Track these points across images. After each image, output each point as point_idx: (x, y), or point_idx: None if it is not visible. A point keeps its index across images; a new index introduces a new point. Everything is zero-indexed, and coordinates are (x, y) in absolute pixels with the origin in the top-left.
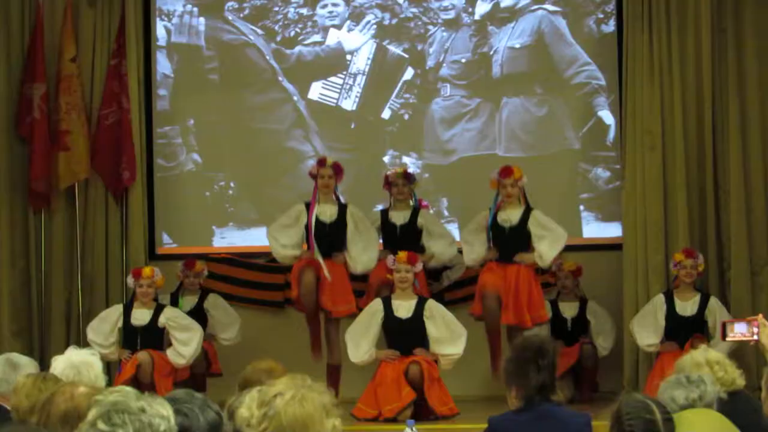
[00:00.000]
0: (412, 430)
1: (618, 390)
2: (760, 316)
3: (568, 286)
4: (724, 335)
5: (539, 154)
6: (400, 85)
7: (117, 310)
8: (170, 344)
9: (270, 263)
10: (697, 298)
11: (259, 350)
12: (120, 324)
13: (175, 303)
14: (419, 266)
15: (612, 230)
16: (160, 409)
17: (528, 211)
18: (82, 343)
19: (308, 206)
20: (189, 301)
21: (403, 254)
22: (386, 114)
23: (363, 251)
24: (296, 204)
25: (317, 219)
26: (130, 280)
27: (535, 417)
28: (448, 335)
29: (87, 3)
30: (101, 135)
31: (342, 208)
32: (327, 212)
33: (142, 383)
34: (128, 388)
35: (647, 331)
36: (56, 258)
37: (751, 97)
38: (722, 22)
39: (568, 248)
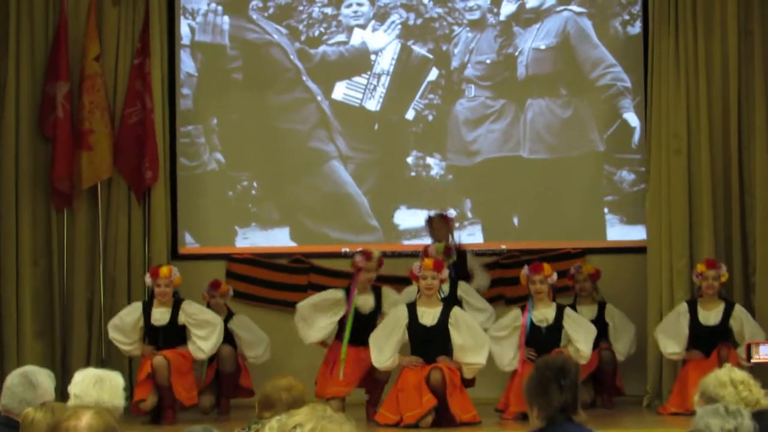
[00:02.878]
0: None
1: (642, 394)
2: None
3: (587, 288)
4: (749, 357)
5: (564, 156)
6: (424, 85)
7: (137, 309)
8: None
9: (293, 264)
10: (721, 307)
11: (281, 351)
12: (141, 323)
13: None
14: (445, 273)
15: (636, 233)
16: None
17: (561, 308)
18: (104, 342)
19: (347, 293)
20: None
21: (429, 261)
22: (410, 114)
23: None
24: (335, 291)
25: (356, 311)
26: (147, 280)
27: None
28: (472, 343)
29: (111, 2)
30: (124, 134)
31: (378, 296)
32: (367, 305)
33: (160, 386)
34: None
35: (670, 339)
36: (78, 257)
37: None
38: (749, 25)
39: (591, 251)
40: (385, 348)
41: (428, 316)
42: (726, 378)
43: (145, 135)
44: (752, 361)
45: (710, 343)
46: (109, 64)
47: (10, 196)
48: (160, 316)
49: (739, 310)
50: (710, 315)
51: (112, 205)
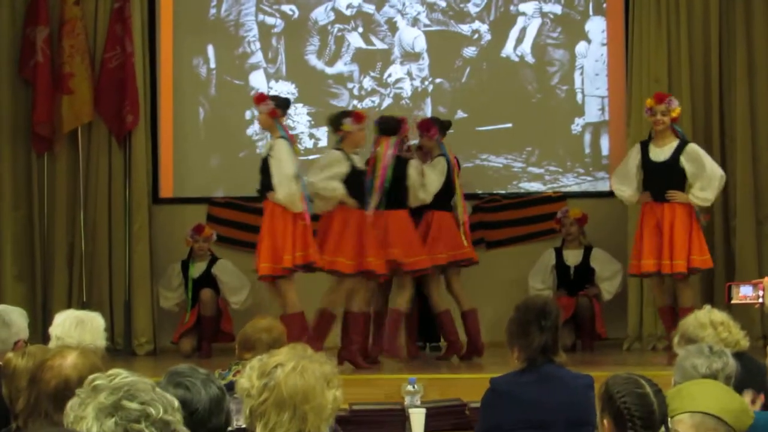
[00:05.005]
0: (413, 386)
1: (623, 337)
2: (766, 279)
3: (573, 233)
4: (729, 298)
5: None
6: None
7: None
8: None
9: None
10: (674, 144)
11: (264, 295)
12: None
13: (185, 269)
14: (264, 107)
15: None
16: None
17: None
18: (86, 285)
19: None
20: (198, 267)
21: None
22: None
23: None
24: None
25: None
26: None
27: (538, 378)
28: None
29: None
30: (104, 78)
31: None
32: None
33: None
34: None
35: (624, 183)
36: (59, 201)
37: (758, 44)
38: None
39: (573, 195)
40: None
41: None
42: (706, 319)
43: (126, 79)
44: (732, 302)
45: (660, 182)
46: (89, 8)
47: None
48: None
49: (692, 147)
50: (661, 152)
51: (92, 149)
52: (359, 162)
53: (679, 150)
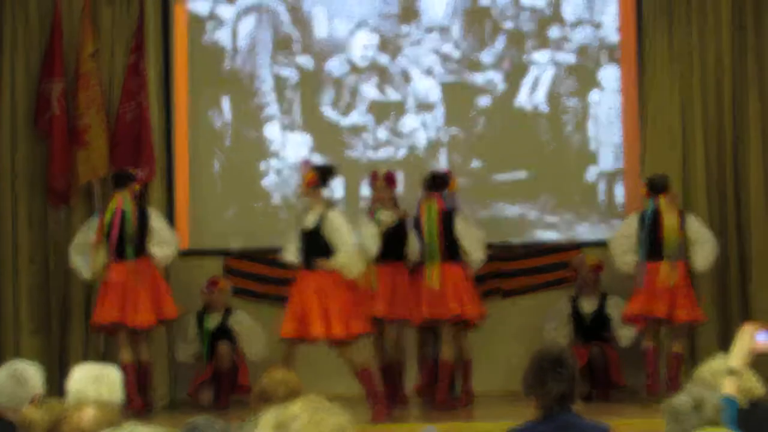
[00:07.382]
0: None
1: (642, 385)
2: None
3: (589, 280)
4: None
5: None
6: None
7: None
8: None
9: None
10: (321, 210)
11: (280, 347)
12: None
13: (200, 322)
14: None
15: None
16: None
17: None
18: (103, 338)
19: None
20: (214, 319)
21: None
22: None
23: None
24: None
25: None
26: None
27: (555, 427)
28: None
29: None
30: (120, 131)
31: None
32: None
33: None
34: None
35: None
36: None
37: None
38: (742, 20)
39: (588, 243)
40: None
41: None
42: (721, 367)
43: (141, 132)
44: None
45: (308, 249)
46: (104, 61)
47: (7, 194)
48: None
49: (331, 215)
50: (309, 218)
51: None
52: None
53: (321, 217)
